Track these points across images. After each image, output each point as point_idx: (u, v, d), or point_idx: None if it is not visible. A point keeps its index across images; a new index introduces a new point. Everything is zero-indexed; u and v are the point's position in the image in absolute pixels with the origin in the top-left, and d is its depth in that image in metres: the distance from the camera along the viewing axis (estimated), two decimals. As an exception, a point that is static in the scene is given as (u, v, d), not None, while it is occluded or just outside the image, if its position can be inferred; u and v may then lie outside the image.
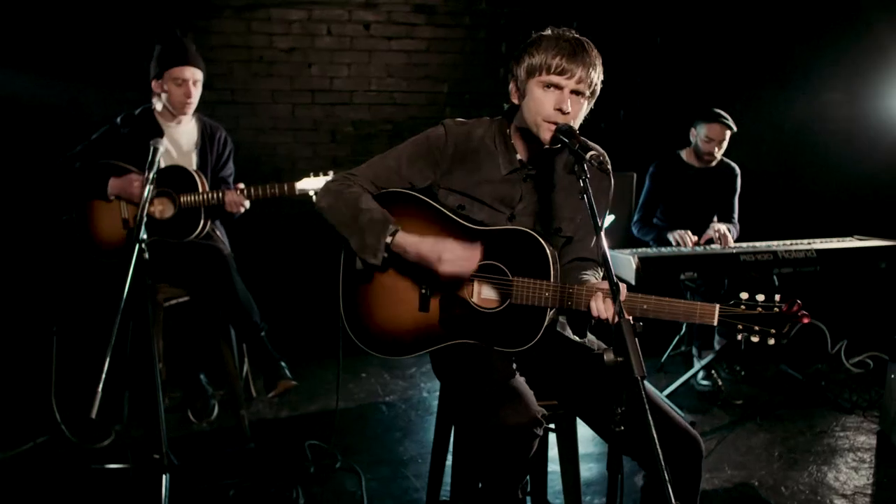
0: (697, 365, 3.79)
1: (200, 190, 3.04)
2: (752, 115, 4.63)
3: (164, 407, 3.03)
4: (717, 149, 3.78)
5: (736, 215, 4.01)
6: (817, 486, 2.87)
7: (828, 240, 3.69)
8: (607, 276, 1.51)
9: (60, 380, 3.25)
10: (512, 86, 1.98)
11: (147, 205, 2.45)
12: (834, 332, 4.31)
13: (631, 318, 1.46)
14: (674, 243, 3.66)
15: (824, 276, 3.45)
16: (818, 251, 3.42)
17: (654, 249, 3.52)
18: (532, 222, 2.02)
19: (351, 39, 4.74)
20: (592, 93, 1.93)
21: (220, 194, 3.04)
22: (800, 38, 4.90)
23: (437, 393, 3.77)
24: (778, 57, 4.96)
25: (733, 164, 3.99)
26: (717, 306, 1.76)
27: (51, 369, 3.18)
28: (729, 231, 3.71)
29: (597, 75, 1.90)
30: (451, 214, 2.00)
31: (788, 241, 3.61)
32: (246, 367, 3.55)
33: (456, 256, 1.86)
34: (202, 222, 3.06)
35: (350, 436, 3.24)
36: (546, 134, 1.88)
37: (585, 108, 1.93)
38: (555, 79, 1.86)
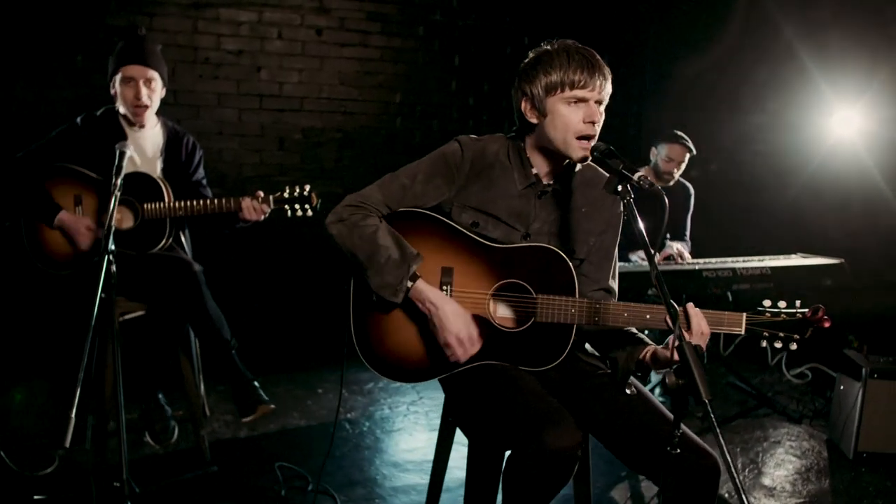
0: (655, 378, 3.87)
1: (166, 199, 2.84)
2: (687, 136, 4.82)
3: (114, 429, 2.82)
4: (676, 169, 3.90)
5: (688, 233, 4.13)
6: (781, 493, 2.98)
7: (774, 257, 3.86)
8: (663, 297, 1.49)
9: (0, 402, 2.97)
10: (526, 105, 1.94)
11: (114, 214, 2.28)
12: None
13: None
14: (637, 261, 3.73)
15: (775, 292, 3.60)
16: (772, 268, 3.58)
17: (619, 264, 3.57)
18: (546, 242, 1.99)
19: (302, 44, 4.61)
20: (606, 102, 1.93)
21: (233, 203, 2.85)
22: (729, 62, 5.12)
23: (400, 409, 3.71)
24: (710, 80, 5.17)
25: (688, 184, 4.12)
26: (744, 315, 1.78)
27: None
28: (684, 248, 3.84)
29: (610, 83, 1.92)
30: (468, 233, 1.95)
31: (741, 259, 3.75)
32: (202, 385, 3.35)
33: (464, 338, 1.87)
34: (167, 234, 2.86)
35: (318, 456, 3.10)
36: (578, 152, 1.87)
37: (603, 116, 1.93)
38: (580, 93, 1.86)
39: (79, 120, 2.88)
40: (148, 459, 2.99)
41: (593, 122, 1.85)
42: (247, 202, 2.83)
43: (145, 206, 2.84)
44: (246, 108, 4.57)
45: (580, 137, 1.86)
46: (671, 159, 3.88)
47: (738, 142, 5.27)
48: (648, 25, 5.12)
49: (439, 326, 1.87)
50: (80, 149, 2.83)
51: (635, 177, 1.65)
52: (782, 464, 3.26)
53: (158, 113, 2.99)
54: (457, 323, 1.87)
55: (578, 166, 2.02)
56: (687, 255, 3.80)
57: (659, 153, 3.93)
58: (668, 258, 3.80)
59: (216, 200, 2.87)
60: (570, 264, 1.88)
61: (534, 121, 1.94)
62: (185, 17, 4.33)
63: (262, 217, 2.91)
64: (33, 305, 3.50)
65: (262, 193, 2.91)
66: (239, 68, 4.50)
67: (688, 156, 3.88)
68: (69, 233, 2.83)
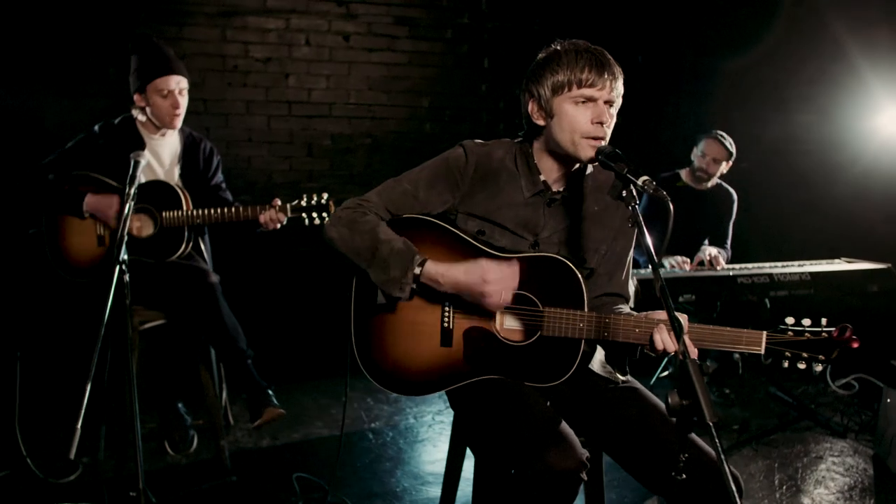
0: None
1: (185, 207, 2.84)
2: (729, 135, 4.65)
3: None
4: (711, 167, 3.75)
5: (729, 241, 3.96)
6: (821, 514, 2.83)
7: (816, 262, 3.69)
8: (667, 310, 1.40)
9: (25, 409, 3.00)
10: (533, 106, 1.88)
11: (128, 222, 2.27)
12: (818, 353, 4.30)
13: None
14: (668, 268, 3.59)
15: (817, 299, 3.42)
16: (812, 274, 3.41)
17: (649, 270, 3.45)
18: (556, 251, 1.91)
19: (330, 50, 4.59)
20: (618, 103, 1.85)
21: (251, 211, 2.87)
22: (774, 59, 4.94)
23: (425, 419, 3.65)
24: (753, 78, 4.98)
25: (731, 189, 3.95)
26: (765, 333, 1.68)
27: (14, 398, 2.93)
28: (720, 254, 3.67)
29: (622, 83, 1.84)
30: (473, 241, 1.87)
31: (780, 264, 3.58)
32: (224, 394, 3.34)
33: (500, 276, 1.73)
34: (185, 242, 2.86)
35: (340, 466, 3.06)
36: (587, 151, 1.79)
37: (615, 119, 1.84)
38: (588, 92, 1.78)
39: (97, 128, 2.90)
40: (167, 469, 2.99)
41: (602, 123, 1.77)
42: (265, 215, 2.83)
43: (164, 213, 2.85)
44: (275, 115, 4.57)
45: (588, 138, 1.77)
46: (705, 154, 3.75)
47: (784, 141, 5.07)
48: (685, 22, 4.96)
49: (468, 280, 1.75)
50: (99, 157, 2.85)
51: (640, 181, 1.55)
52: (823, 481, 3.08)
53: None
54: (476, 271, 1.75)
55: (590, 169, 1.94)
56: (722, 261, 3.63)
57: (696, 150, 3.81)
58: (700, 264, 3.65)
59: (234, 209, 2.86)
60: (580, 276, 1.79)
61: (540, 123, 1.87)
62: (213, 26, 4.35)
63: (279, 225, 2.89)
64: (56, 313, 3.55)
65: (279, 202, 2.89)
66: (267, 76, 4.50)
67: (723, 153, 3.72)
68: (101, 214, 2.84)
